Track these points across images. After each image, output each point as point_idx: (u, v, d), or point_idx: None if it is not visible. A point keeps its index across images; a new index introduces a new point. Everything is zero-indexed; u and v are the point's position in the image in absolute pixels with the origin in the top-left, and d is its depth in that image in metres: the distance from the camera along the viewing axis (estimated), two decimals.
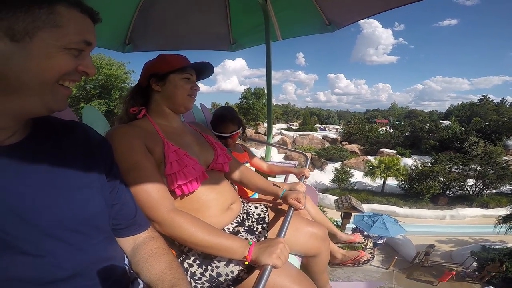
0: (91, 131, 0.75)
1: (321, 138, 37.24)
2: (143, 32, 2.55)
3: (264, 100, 46.00)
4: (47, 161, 0.60)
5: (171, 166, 0.99)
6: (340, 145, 35.19)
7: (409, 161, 27.12)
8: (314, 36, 3.06)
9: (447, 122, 40.47)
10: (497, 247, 14.47)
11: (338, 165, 28.16)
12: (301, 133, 38.40)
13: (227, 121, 1.81)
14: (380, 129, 38.13)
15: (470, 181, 23.59)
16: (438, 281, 12.33)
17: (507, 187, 23.27)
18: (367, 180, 24.71)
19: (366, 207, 20.86)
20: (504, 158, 28.58)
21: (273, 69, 2.78)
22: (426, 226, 19.40)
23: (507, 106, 50.30)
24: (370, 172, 23.70)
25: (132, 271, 0.78)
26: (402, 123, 42.29)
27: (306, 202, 1.31)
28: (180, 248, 1.04)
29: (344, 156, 30.64)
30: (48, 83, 0.55)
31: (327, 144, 35.64)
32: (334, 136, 37.52)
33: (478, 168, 22.88)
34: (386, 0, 2.18)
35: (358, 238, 2.14)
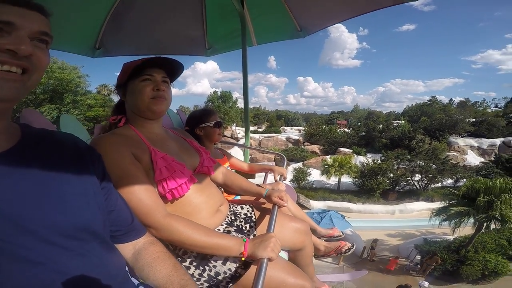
0: (80, 141, 0.74)
1: (284, 139, 37.43)
2: (115, 36, 2.43)
3: (231, 104, 45.67)
4: (39, 169, 0.59)
5: (161, 172, 0.97)
6: (302, 146, 35.60)
7: (368, 159, 27.92)
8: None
9: (399, 122, 42.66)
10: (438, 240, 15.07)
11: (299, 165, 28.33)
12: (266, 135, 38.30)
13: (212, 113, 1.87)
14: (338, 130, 39.17)
15: (418, 176, 24.79)
16: (386, 268, 12.60)
17: (450, 181, 24.74)
18: (325, 179, 25.08)
19: (322, 204, 21.12)
20: (448, 153, 30.58)
21: None
22: (377, 221, 19.95)
23: (454, 106, 54.08)
24: (326, 170, 24.07)
25: (133, 277, 0.79)
26: (359, 123, 43.80)
27: (287, 200, 1.32)
28: (175, 251, 1.02)
29: (304, 157, 31.00)
30: None
31: (290, 145, 35.92)
32: (297, 137, 37.87)
33: (422, 164, 24.09)
34: (352, 8, 2.31)
35: (336, 232, 2.19)
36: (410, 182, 24.45)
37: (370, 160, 25.96)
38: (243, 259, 0.95)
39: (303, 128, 44.81)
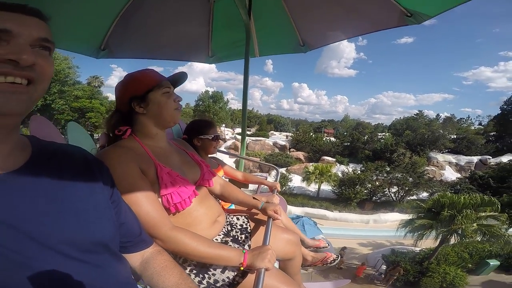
0: (89, 155, 0.74)
1: (271, 144, 37.70)
2: (121, 38, 2.43)
3: (221, 104, 45.54)
4: (52, 185, 0.59)
5: (166, 187, 1.00)
6: (288, 152, 35.94)
7: (349, 169, 28.43)
8: None
9: (384, 134, 43.55)
10: (405, 251, 15.48)
11: (282, 170, 28.52)
12: (254, 138, 38.52)
13: (212, 126, 1.89)
14: (324, 138, 39.71)
15: (395, 188, 25.40)
16: (355, 274, 12.87)
17: (425, 194, 25.44)
18: (305, 185, 25.41)
19: (300, 210, 21.34)
20: (426, 168, 31.41)
21: (242, 74, 2.73)
22: (351, 229, 20.28)
23: (440, 121, 55.16)
24: (306, 177, 24.42)
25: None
26: (345, 133, 44.49)
27: (281, 213, 1.37)
28: (175, 260, 1.00)
29: (288, 163, 31.35)
30: None
31: (276, 150, 36.19)
32: (284, 143, 38.21)
33: (399, 176, 24.71)
34: (356, 28, 2.37)
35: (323, 243, 2.29)
36: (387, 194, 25.02)
37: (350, 169, 26.44)
38: (242, 268, 1.00)
39: (291, 134, 45.10)
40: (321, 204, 23.09)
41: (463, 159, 34.33)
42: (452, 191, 23.00)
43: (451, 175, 32.05)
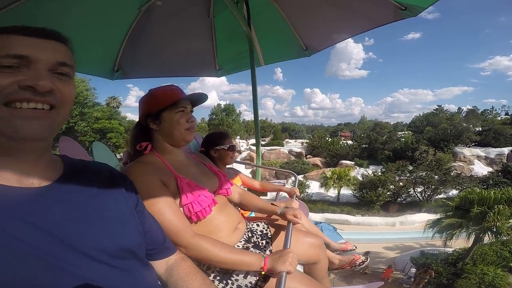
0: (114, 170, 0.78)
1: (287, 152, 37.36)
2: (132, 59, 2.52)
3: (234, 117, 46.12)
4: (83, 197, 0.63)
5: (186, 197, 1.05)
6: (305, 159, 35.44)
7: (369, 171, 27.49)
8: None
9: (402, 133, 41.96)
10: (436, 252, 14.51)
11: (300, 177, 28.06)
12: (268, 148, 38.36)
13: (227, 137, 1.98)
14: (341, 142, 38.87)
15: (421, 188, 24.14)
16: (383, 278, 12.19)
17: (455, 191, 23.95)
18: (324, 191, 24.78)
19: (320, 216, 20.77)
20: (453, 164, 29.76)
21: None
22: (375, 233, 19.40)
23: (462, 115, 52.48)
24: (324, 183, 23.83)
25: None
26: (362, 135, 43.33)
27: (301, 217, 1.38)
28: (199, 267, 1.04)
29: (305, 169, 30.79)
30: None
31: (292, 158, 35.81)
32: (299, 150, 37.77)
33: (423, 175, 23.51)
34: (354, 27, 2.41)
35: (349, 246, 2.19)
36: (412, 194, 23.82)
37: (370, 172, 25.54)
38: (263, 273, 1.01)
39: (306, 140, 44.62)
40: (342, 209, 22.34)
41: (493, 152, 32.21)
42: (484, 187, 21.54)
43: (481, 169, 30.12)
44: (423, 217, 21.10)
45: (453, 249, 13.64)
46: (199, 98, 1.20)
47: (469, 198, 12.69)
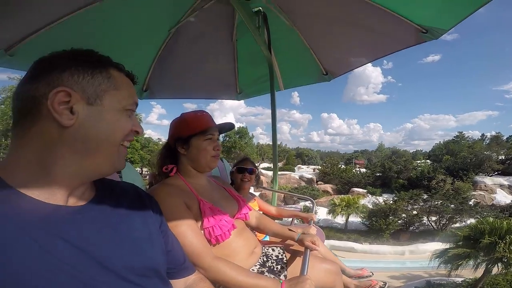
0: (141, 190, 0.82)
1: (297, 178, 37.05)
2: (160, 79, 2.62)
3: (247, 140, 46.02)
4: (113, 217, 0.65)
5: (208, 220, 1.09)
6: (316, 185, 35.02)
7: (379, 199, 26.77)
8: None
9: (419, 162, 40.46)
10: (443, 282, 13.64)
11: (307, 204, 27.58)
12: (279, 173, 38.34)
13: (241, 160, 2.10)
14: (354, 170, 38.18)
15: (436, 217, 22.98)
16: None
17: (472, 221, 22.50)
18: (334, 218, 24.24)
19: (326, 243, 20.09)
20: (473, 193, 28.19)
21: (269, 108, 2.85)
22: (382, 261, 18.42)
23: (486, 142, 49.75)
24: (332, 209, 23.40)
25: None
26: (377, 163, 42.25)
27: (319, 244, 1.39)
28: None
29: (315, 195, 30.24)
30: (116, 144, 0.61)
31: (303, 184, 35.49)
32: (310, 176, 37.43)
33: (437, 204, 22.50)
34: (375, 51, 2.38)
35: (366, 272, 2.14)
36: (425, 223, 22.70)
37: (381, 200, 24.82)
38: None
39: (319, 167, 44.13)
40: (349, 237, 21.57)
41: None
42: (507, 215, 20.15)
43: (504, 198, 28.15)
44: (435, 246, 19.70)
45: (462, 279, 12.79)
46: (227, 128, 1.27)
47: (480, 228, 12.14)
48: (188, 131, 1.16)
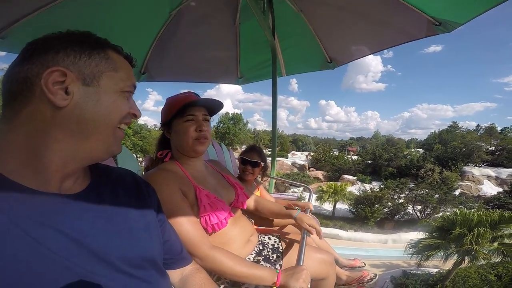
0: (138, 177, 0.78)
1: (290, 164, 37.30)
2: (159, 62, 2.53)
3: (241, 126, 46.03)
4: (109, 206, 0.62)
5: (205, 208, 1.04)
6: (308, 171, 35.21)
7: (366, 187, 27.00)
8: None
9: (409, 151, 40.55)
10: (419, 272, 13.93)
11: (296, 190, 27.91)
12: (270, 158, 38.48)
13: (247, 150, 2.01)
14: (347, 157, 38.26)
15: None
16: None
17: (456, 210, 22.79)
18: (321, 205, 24.49)
19: None
20: (460, 183, 28.44)
21: (267, 95, 3.25)
22: (364, 249, 18.81)
23: (481, 132, 49.12)
24: (320, 196, 23.58)
25: None
26: (368, 150, 42.28)
27: (316, 229, 1.36)
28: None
29: (306, 182, 30.46)
30: (112, 126, 0.57)
31: (295, 170, 35.69)
32: (303, 162, 37.60)
33: (422, 193, 22.70)
34: (383, 41, 2.33)
35: (358, 262, 2.16)
36: (410, 212, 22.99)
37: (368, 187, 25.02)
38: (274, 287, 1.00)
39: (312, 153, 44.23)
40: (335, 224, 21.91)
41: (505, 172, 30.40)
42: (489, 207, 20.44)
43: (490, 189, 28.49)
44: (417, 236, 20.24)
45: (436, 270, 13.07)
46: (211, 105, 1.14)
47: (452, 219, 12.24)
48: (169, 114, 1.10)
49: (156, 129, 43.86)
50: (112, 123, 0.57)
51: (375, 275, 1.94)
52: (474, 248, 10.86)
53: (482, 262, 11.70)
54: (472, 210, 14.10)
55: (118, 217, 0.63)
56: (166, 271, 0.77)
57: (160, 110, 1.17)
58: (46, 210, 0.51)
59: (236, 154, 2.93)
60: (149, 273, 0.65)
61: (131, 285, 0.59)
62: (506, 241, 11.45)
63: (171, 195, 0.97)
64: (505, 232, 11.57)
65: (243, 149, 2.09)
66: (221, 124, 45.60)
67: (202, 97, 1.12)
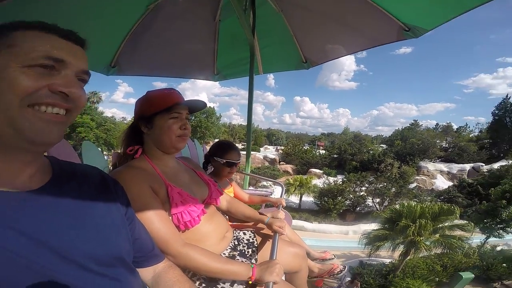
0: (105, 174, 0.75)
1: (262, 158, 37.50)
2: (131, 56, 2.42)
3: (213, 119, 45.51)
4: (72, 202, 0.59)
5: (176, 206, 1.01)
6: (278, 165, 35.55)
7: (330, 180, 27.78)
8: None
9: (374, 146, 42.49)
10: (374, 262, 14.55)
11: (265, 183, 28.09)
12: (244, 153, 38.39)
13: (230, 150, 1.84)
14: (315, 151, 39.17)
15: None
16: (314, 285, 12.10)
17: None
18: (288, 197, 24.80)
19: None
20: (416, 177, 30.29)
21: (244, 89, 3.23)
22: (327, 240, 19.41)
23: (439, 130, 52.74)
24: (287, 189, 23.86)
25: None
26: (335, 145, 43.66)
27: (286, 228, 1.39)
28: (184, 274, 1.01)
29: (275, 175, 30.85)
30: (13, 106, 0.49)
31: (266, 164, 35.90)
32: (273, 156, 37.95)
33: (381, 186, 23.83)
34: (357, 44, 2.40)
35: (328, 255, 2.19)
36: (370, 204, 24.08)
37: (332, 180, 25.78)
38: (250, 282, 1.00)
39: (282, 147, 44.78)
40: (301, 216, 22.38)
41: (455, 167, 32.90)
42: (440, 200, 21.91)
43: (442, 183, 30.71)
44: (374, 227, 21.30)
45: (389, 260, 13.71)
46: (197, 105, 1.13)
47: (399, 210, 12.84)
48: (152, 109, 1.04)
49: (125, 122, 41.48)
50: (10, 102, 0.49)
51: (344, 267, 2.01)
52: (417, 239, 11.44)
53: (425, 253, 12.38)
54: (415, 202, 14.88)
55: (83, 213, 0.60)
56: (139, 269, 0.77)
57: (133, 103, 1.12)
58: (2, 209, 0.49)
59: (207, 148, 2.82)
60: (118, 271, 0.63)
61: (99, 283, 0.58)
62: (447, 233, 12.20)
63: (140, 193, 0.94)
64: (445, 224, 12.35)
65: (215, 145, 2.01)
66: (192, 118, 44.29)
67: (185, 98, 1.09)
